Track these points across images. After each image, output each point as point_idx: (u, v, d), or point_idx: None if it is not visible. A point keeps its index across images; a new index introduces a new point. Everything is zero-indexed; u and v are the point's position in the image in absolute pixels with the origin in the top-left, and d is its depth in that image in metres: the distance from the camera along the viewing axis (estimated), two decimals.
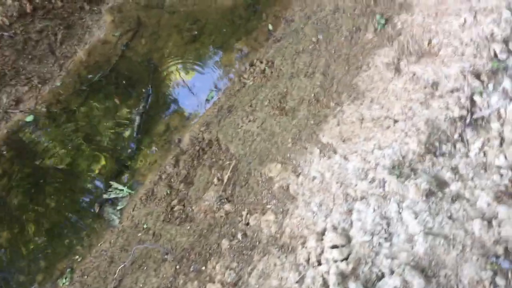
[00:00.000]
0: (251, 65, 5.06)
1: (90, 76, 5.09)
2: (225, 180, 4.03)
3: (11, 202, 4.57)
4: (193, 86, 5.13)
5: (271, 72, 4.83)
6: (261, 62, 5.01)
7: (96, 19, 5.40)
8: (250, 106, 4.56)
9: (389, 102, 3.48)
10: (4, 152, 4.76)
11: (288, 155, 3.83)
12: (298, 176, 3.58)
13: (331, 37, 4.62)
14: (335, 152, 3.49)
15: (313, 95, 4.17)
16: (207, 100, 5.01)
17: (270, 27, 5.33)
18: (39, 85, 5.03)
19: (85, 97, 5.01)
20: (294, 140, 3.92)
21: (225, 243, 3.63)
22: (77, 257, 4.28)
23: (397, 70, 3.68)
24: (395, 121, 3.32)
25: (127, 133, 4.88)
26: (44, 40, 5.04)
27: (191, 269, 3.69)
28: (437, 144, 3.10)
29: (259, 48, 5.22)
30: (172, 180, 4.42)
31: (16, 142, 4.84)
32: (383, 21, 4.23)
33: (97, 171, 4.70)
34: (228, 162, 4.17)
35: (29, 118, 4.87)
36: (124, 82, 5.11)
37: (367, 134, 3.39)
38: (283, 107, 4.31)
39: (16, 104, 4.95)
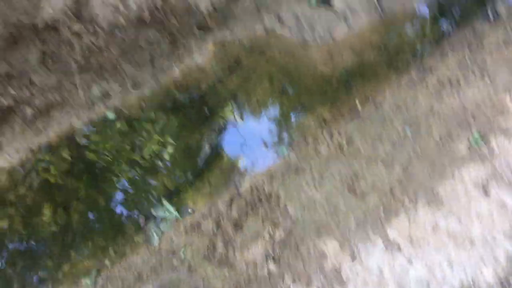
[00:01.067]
0: (330, 134, 5.07)
1: (178, 95, 5.28)
2: (276, 239, 3.95)
3: (68, 185, 4.68)
4: (267, 135, 5.18)
5: (348, 149, 4.81)
6: (340, 135, 5.01)
7: (200, 46, 5.65)
8: (319, 174, 4.53)
9: (469, 221, 3.36)
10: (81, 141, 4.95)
11: (349, 236, 3.73)
12: (354, 261, 3.46)
13: (420, 137, 4.58)
14: (400, 250, 3.36)
15: (388, 186, 4.10)
16: (277, 154, 5.03)
17: (358, 104, 5.38)
18: (130, 88, 5.25)
19: (166, 112, 5.18)
20: (358, 223, 3.82)
21: None
22: (107, 261, 4.25)
23: (485, 192, 3.57)
24: (472, 243, 3.18)
25: (191, 158, 4.95)
26: (148, 50, 5.30)
27: None
28: None
29: (341, 121, 5.25)
30: (221, 218, 4.38)
31: (88, 136, 5.02)
32: (479, 139, 4.17)
33: (154, 186, 4.75)
34: (283, 222, 4.10)
35: (111, 116, 5.05)
36: (206, 109, 5.25)
37: (438, 244, 3.26)
38: (353, 187, 4.24)
39: (104, 99, 5.17)
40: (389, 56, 5.70)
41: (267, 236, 3.99)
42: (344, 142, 4.90)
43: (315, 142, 5.06)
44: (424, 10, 6.44)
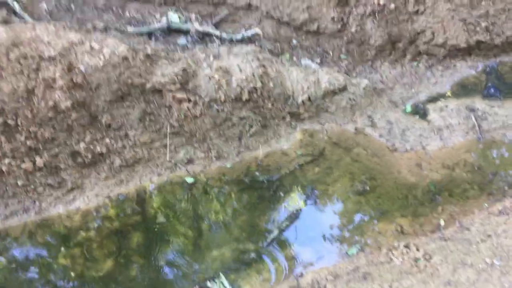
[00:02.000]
0: (406, 246, 4.71)
1: (257, 174, 5.33)
2: None
3: (129, 242, 4.75)
4: (339, 232, 4.95)
5: (425, 266, 4.41)
6: (418, 250, 4.63)
7: (288, 132, 5.78)
8: (390, 286, 4.15)
9: None
10: (152, 197, 5.10)
11: None
12: None
13: (509, 270, 4.09)
14: None
15: None
16: (346, 254, 4.75)
17: (442, 222, 5.02)
18: (214, 158, 5.42)
19: (242, 189, 5.21)
20: None
21: None
22: None
23: None
24: None
25: (257, 239, 4.83)
26: (239, 126, 5.52)
27: None
28: None
29: (421, 236, 4.89)
30: None
31: (165, 194, 5.16)
32: None
33: (213, 257, 4.66)
34: None
35: (190, 180, 5.19)
36: (281, 193, 5.21)
37: None
38: None
39: (187, 163, 5.37)
40: (483, 179, 5.37)
41: None
42: (422, 258, 4.52)
43: (389, 251, 4.72)
44: None
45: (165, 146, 5.34)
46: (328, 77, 5.90)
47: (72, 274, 4.45)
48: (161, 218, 4.94)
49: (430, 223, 5.04)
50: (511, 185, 5.33)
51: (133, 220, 4.92)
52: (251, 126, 5.59)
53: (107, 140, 5.11)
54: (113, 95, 5.03)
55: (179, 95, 5.27)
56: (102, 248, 4.68)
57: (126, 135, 5.23)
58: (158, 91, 5.22)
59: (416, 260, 4.53)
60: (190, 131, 5.38)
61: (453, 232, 4.90)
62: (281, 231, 4.84)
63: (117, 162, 5.17)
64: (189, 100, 5.30)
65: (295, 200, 5.15)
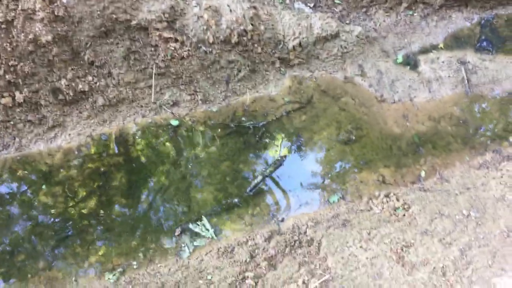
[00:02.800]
0: (386, 196, 4.82)
1: (243, 119, 5.27)
2: None
3: (111, 181, 4.73)
4: (322, 180, 5.01)
5: (404, 215, 4.53)
6: (397, 200, 4.75)
7: (277, 78, 5.67)
8: (368, 233, 4.27)
9: None
10: (136, 138, 5.02)
11: None
12: None
13: (485, 222, 4.23)
14: None
15: (441, 265, 3.77)
16: (328, 201, 4.83)
17: (423, 173, 5.10)
18: (200, 102, 5.32)
19: (228, 133, 5.17)
20: None
21: None
22: (134, 263, 4.18)
23: None
24: None
25: (240, 184, 4.86)
26: (227, 70, 5.37)
27: None
28: None
29: (402, 186, 4.99)
30: (257, 251, 4.21)
31: (149, 136, 5.09)
32: None
33: (197, 199, 4.69)
34: (320, 272, 3.86)
35: (174, 122, 5.11)
36: (266, 140, 5.20)
37: None
38: (402, 256, 3.95)
39: (172, 105, 5.27)
40: (467, 133, 5.42)
41: (300, 283, 3.75)
42: (401, 207, 4.63)
43: (369, 199, 4.82)
44: None
45: (150, 87, 5.21)
46: (321, 23, 5.71)
47: (53, 211, 4.45)
48: (144, 160, 4.90)
49: (411, 174, 5.12)
50: (493, 140, 5.40)
51: (115, 160, 4.87)
52: (239, 70, 5.45)
53: (90, 77, 4.95)
54: (97, 30, 4.80)
55: (166, 34, 5.06)
56: (85, 187, 4.66)
57: (110, 74, 5.06)
58: (144, 28, 5.00)
59: (396, 209, 4.64)
60: (176, 73, 5.23)
61: (433, 183, 5.01)
62: (265, 177, 4.86)
63: (100, 101, 5.04)
64: (176, 40, 5.10)
65: (280, 147, 5.15)
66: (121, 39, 4.98)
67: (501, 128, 5.49)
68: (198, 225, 4.45)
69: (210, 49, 5.23)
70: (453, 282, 3.60)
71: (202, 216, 4.50)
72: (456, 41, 6.37)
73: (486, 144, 5.34)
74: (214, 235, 4.39)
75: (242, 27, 5.23)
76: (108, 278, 3.97)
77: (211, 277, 3.93)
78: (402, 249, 4.01)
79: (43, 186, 4.60)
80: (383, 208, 4.69)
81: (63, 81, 4.79)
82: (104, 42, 4.92)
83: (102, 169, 4.78)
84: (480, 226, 4.20)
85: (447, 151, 5.29)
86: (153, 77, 5.17)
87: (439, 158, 5.24)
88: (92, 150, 4.87)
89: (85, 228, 4.41)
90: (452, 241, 4.05)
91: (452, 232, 4.18)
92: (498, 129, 5.50)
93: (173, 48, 5.10)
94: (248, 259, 4.08)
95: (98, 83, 5.01)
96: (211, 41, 5.19)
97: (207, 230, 4.42)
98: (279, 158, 5.03)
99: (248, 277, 3.88)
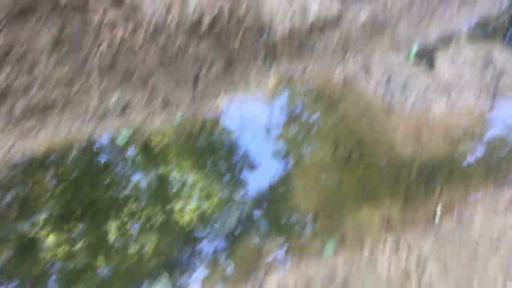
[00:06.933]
0: (395, 242, 3.81)
1: (214, 133, 4.06)
2: None
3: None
4: (311, 222, 3.93)
5: (419, 280, 3.54)
6: (410, 253, 3.75)
7: (260, 76, 4.42)
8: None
9: None
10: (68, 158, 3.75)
11: None
12: None
13: None
14: None
15: None
16: (321, 253, 3.78)
17: (438, 213, 4.08)
18: (158, 107, 4.05)
19: (194, 152, 3.96)
20: None
21: None
22: None
23: None
24: None
25: (212, 227, 3.74)
26: (195, 67, 4.10)
27: None
28: None
29: (411, 230, 3.97)
30: None
31: (84, 158, 3.83)
32: None
33: (153, 250, 3.55)
34: None
35: (125, 132, 3.84)
36: (247, 164, 4.03)
37: None
38: None
39: (121, 112, 3.98)
40: (492, 160, 4.37)
41: None
42: (414, 265, 3.63)
43: (373, 249, 3.79)
44: None
45: (90, 86, 3.88)
46: (318, 4, 4.41)
47: None
48: (78, 193, 3.67)
49: (423, 211, 4.09)
50: None
51: (44, 190, 3.64)
52: (211, 66, 4.16)
53: (4, 74, 3.59)
54: (10, 8, 3.40)
55: (111, 15, 3.70)
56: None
57: (34, 67, 3.70)
58: (79, 8, 3.61)
59: (408, 263, 3.64)
60: (126, 69, 3.92)
61: (450, 228, 4.00)
62: (241, 220, 3.74)
63: (20, 105, 3.72)
64: (126, 25, 3.75)
65: (260, 177, 4.00)
66: (47, 21, 3.60)
67: None
68: (157, 284, 3.35)
69: (172, 40, 3.89)
70: None
71: (162, 274, 3.40)
72: (481, 30, 5.22)
73: None
74: None
75: (216, 10, 3.88)
76: None
77: None
78: None
79: None
80: (391, 263, 3.68)
81: None
82: (23, 25, 3.55)
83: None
84: None
85: (467, 184, 4.24)
86: (93, 74, 3.84)
87: (458, 192, 4.20)
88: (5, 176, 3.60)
89: None
90: None
91: None
92: None
93: (121, 35, 3.77)
94: None
95: (16, 82, 3.66)
96: (173, 27, 3.86)
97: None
98: (257, 194, 3.88)
99: None
